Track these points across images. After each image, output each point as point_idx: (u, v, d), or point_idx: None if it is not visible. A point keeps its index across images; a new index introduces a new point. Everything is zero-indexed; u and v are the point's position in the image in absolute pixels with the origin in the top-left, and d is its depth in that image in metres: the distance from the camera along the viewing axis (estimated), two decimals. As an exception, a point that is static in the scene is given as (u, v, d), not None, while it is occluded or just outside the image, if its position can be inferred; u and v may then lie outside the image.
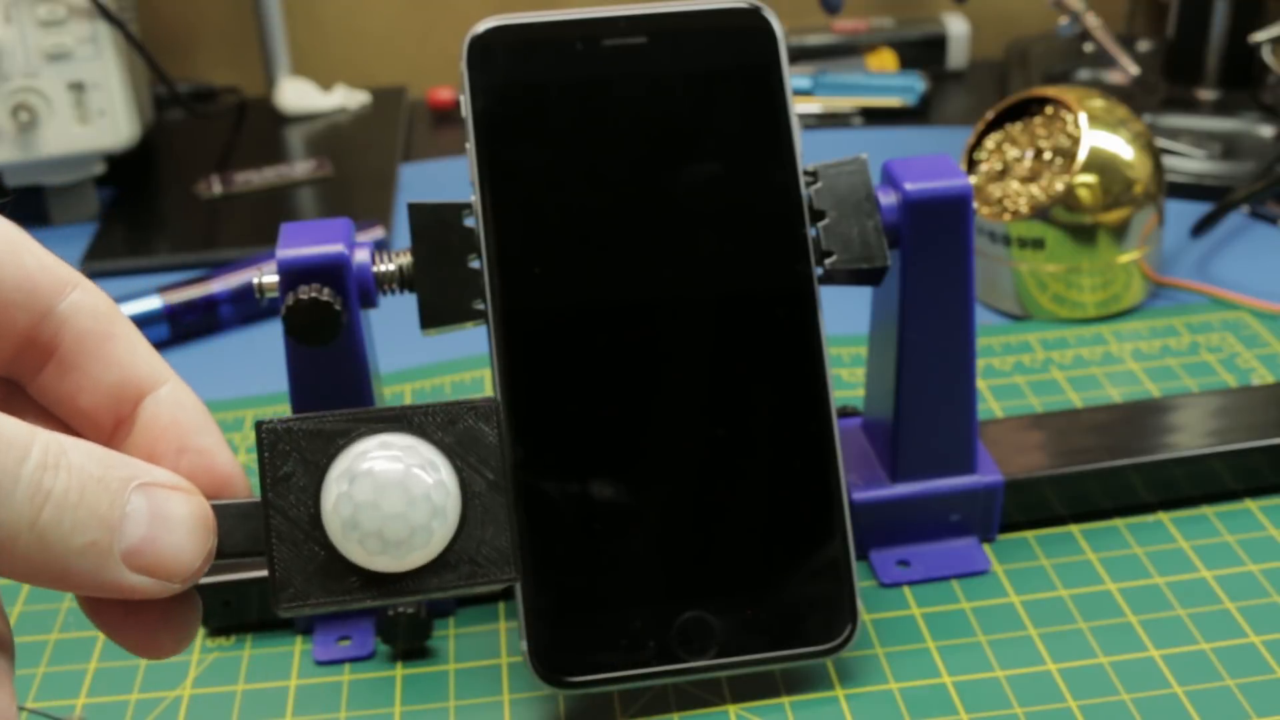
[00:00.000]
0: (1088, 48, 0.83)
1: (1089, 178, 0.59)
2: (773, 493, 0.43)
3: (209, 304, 0.65)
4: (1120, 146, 0.59)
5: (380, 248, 0.46)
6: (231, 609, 0.45)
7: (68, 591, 0.26)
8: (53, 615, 0.47)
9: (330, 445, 0.27)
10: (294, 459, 0.27)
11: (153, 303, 0.64)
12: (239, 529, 0.28)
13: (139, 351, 0.29)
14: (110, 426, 0.29)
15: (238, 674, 0.44)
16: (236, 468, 0.29)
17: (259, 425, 0.27)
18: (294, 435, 0.27)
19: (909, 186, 0.44)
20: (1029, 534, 0.49)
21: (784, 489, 0.43)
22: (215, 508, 0.27)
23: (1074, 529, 0.49)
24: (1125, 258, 0.61)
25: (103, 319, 0.28)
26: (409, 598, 0.28)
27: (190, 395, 0.29)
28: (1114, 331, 0.61)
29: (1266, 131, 0.74)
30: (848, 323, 0.57)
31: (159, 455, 0.28)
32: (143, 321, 0.63)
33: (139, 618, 0.27)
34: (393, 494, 0.27)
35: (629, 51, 0.43)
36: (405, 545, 0.27)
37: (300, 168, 0.80)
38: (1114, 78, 0.80)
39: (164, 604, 0.27)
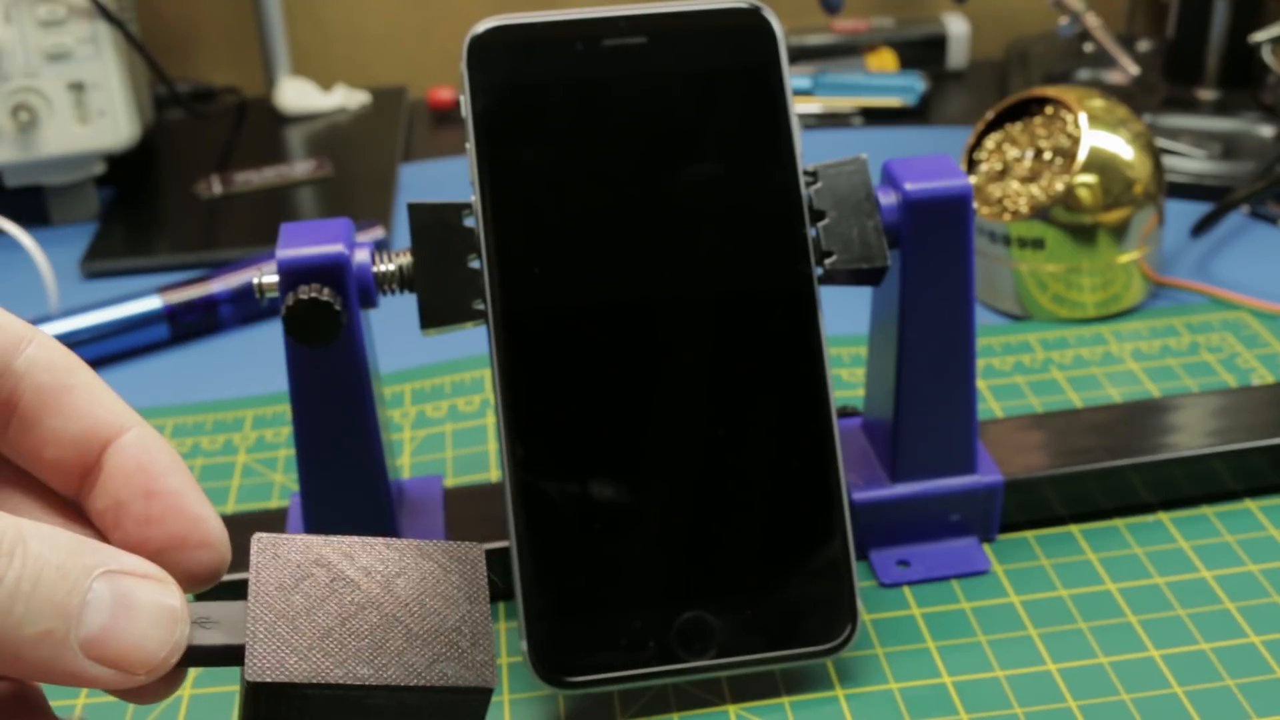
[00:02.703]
0: (1088, 48, 0.83)
1: (1089, 178, 0.59)
2: (773, 493, 0.43)
3: (209, 304, 0.65)
4: (1120, 146, 0.59)
5: (380, 248, 0.46)
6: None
7: (25, 680, 0.26)
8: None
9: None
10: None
11: (153, 303, 0.64)
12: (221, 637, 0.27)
13: (101, 400, 0.29)
14: (78, 476, 0.29)
15: (238, 674, 0.44)
16: (205, 507, 0.28)
17: (257, 538, 0.27)
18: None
19: (909, 186, 0.44)
20: (1029, 534, 0.49)
21: (784, 489, 0.43)
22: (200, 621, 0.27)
23: (1074, 529, 0.49)
24: (1125, 258, 0.61)
25: (60, 371, 0.28)
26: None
27: (156, 438, 0.29)
28: (1114, 331, 0.61)
29: (1266, 131, 0.74)
30: (848, 323, 0.57)
31: (127, 500, 0.28)
32: (143, 322, 0.63)
33: None
34: None
35: (629, 51, 0.43)
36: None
37: (300, 168, 0.80)
38: (1114, 78, 0.80)
39: None
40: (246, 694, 0.27)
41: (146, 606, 0.26)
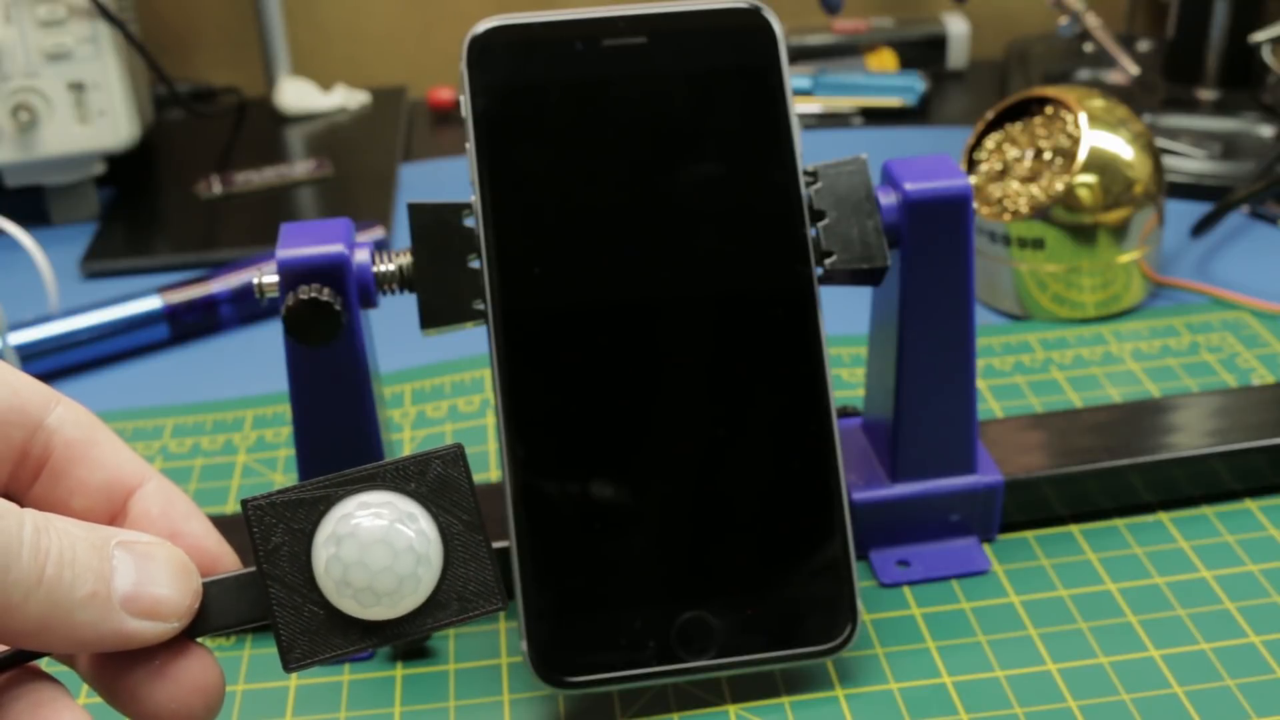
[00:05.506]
0: (1088, 48, 0.83)
1: (1089, 178, 0.59)
2: (773, 493, 0.43)
3: (209, 304, 0.65)
4: (1120, 146, 0.59)
5: (380, 248, 0.46)
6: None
7: (76, 650, 0.28)
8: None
9: (313, 512, 0.30)
10: (281, 530, 0.29)
11: (153, 303, 0.64)
12: (241, 598, 0.30)
13: (122, 453, 0.31)
14: (105, 524, 0.31)
15: (238, 674, 0.44)
16: (224, 546, 0.32)
17: (245, 504, 0.29)
18: (278, 508, 0.30)
19: (909, 186, 0.44)
20: (1029, 534, 0.49)
21: (784, 489, 0.43)
22: (216, 582, 0.30)
23: (1074, 529, 0.49)
24: (1125, 258, 0.61)
25: (86, 428, 0.31)
26: (407, 639, 0.30)
27: (175, 488, 0.32)
28: (1114, 331, 0.61)
29: (1266, 131, 0.74)
30: (848, 323, 0.57)
31: None
32: (143, 321, 0.63)
33: (158, 682, 0.29)
34: (378, 550, 0.29)
35: (629, 51, 0.43)
36: (396, 594, 0.29)
37: (300, 168, 0.80)
38: (1114, 78, 0.80)
39: (179, 663, 0.29)
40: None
41: (162, 562, 0.29)
